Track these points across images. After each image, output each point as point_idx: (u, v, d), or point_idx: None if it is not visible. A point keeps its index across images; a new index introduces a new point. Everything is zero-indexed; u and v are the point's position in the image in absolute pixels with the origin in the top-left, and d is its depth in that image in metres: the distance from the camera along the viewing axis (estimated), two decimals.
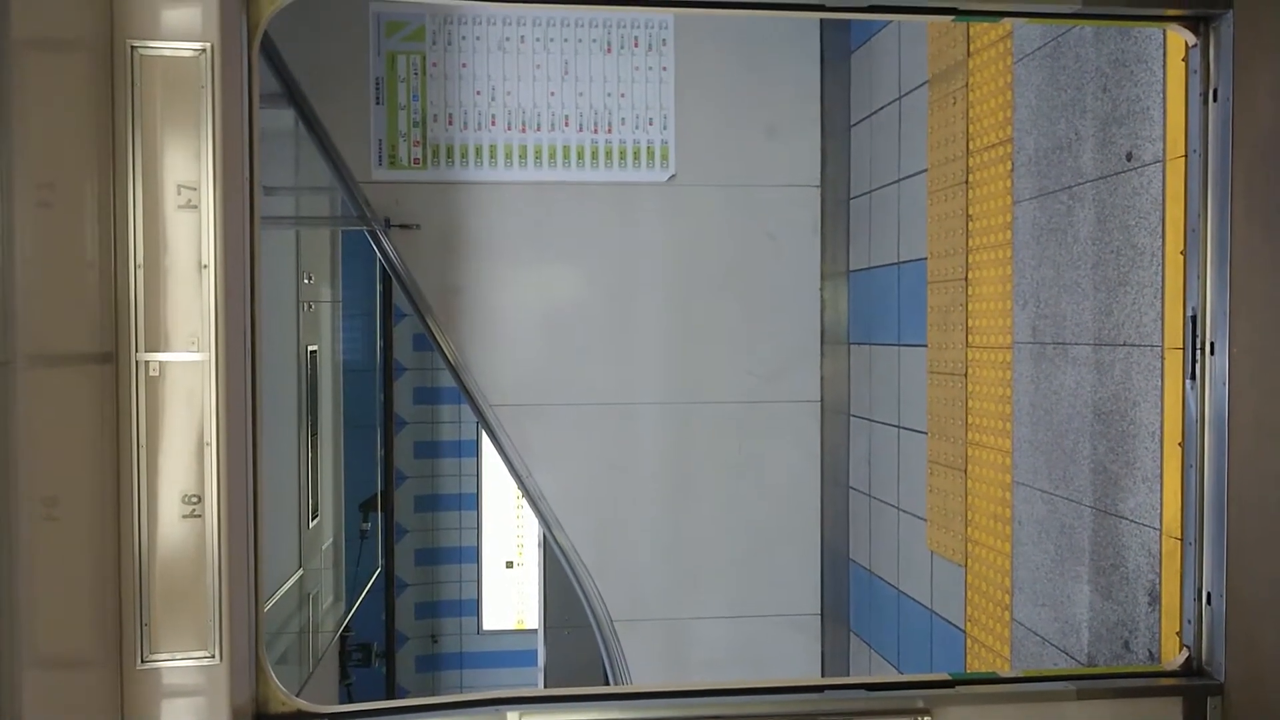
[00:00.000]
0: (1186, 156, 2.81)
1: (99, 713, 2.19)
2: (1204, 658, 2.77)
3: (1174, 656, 2.82)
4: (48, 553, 2.00)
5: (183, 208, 2.26)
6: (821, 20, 5.42)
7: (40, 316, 1.98)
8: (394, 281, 5.56)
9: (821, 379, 5.63)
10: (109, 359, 2.22)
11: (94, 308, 2.18)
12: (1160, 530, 3.02)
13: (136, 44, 2.22)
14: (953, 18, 2.71)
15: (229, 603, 2.30)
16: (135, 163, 2.23)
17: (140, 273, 2.24)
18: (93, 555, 2.18)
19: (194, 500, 2.27)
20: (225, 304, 2.27)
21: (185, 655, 2.28)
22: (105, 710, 2.21)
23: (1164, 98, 2.98)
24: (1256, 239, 2.62)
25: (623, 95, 5.35)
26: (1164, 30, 2.91)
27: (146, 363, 2.24)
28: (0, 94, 1.84)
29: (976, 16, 2.73)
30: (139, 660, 2.26)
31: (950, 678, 2.69)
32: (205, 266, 2.26)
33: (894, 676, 3.38)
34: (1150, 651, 3.05)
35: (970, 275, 4.16)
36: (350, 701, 6.57)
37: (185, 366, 2.26)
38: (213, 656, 2.28)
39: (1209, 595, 2.75)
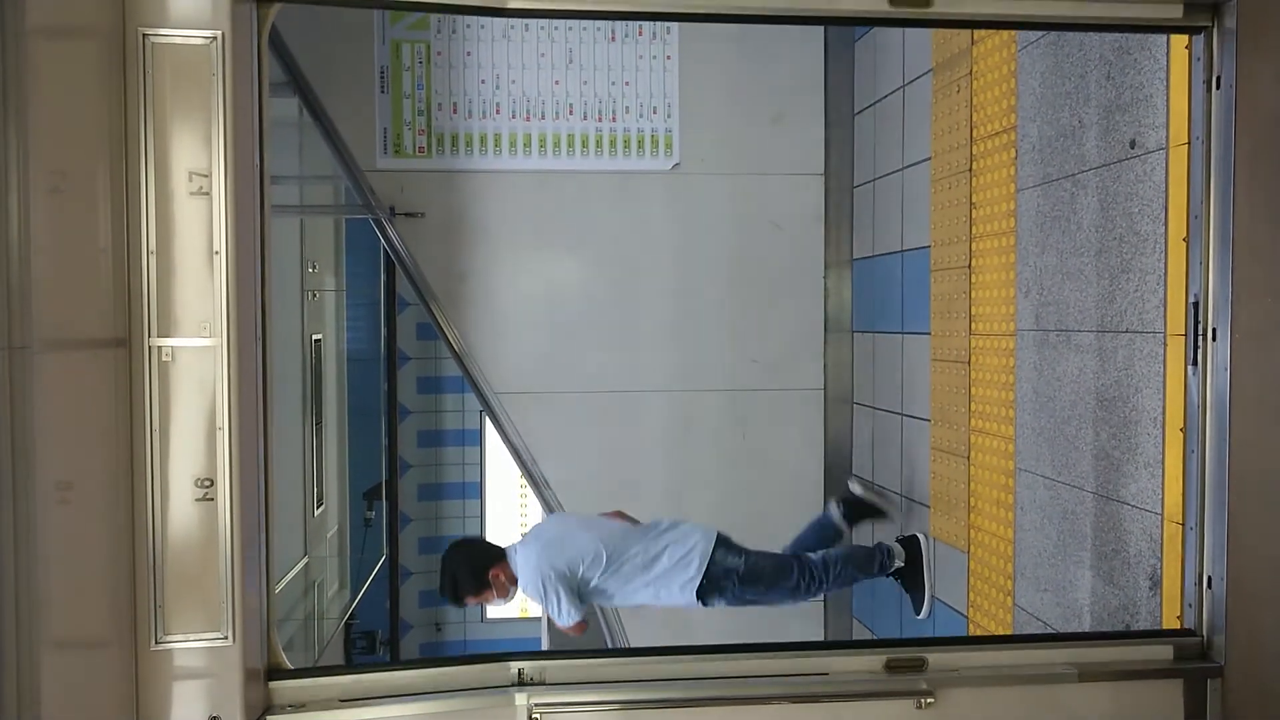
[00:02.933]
0: (1189, 143, 2.83)
1: (114, 693, 2.22)
2: (1204, 641, 2.79)
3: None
4: (63, 536, 2.03)
5: (194, 194, 2.27)
6: None
7: (54, 302, 2.00)
8: (398, 270, 5.57)
9: (825, 367, 5.65)
10: (122, 344, 2.24)
11: (107, 293, 2.20)
12: (1162, 515, 3.05)
13: (148, 31, 2.24)
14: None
15: (241, 585, 2.32)
16: (147, 149, 2.25)
17: (152, 259, 2.26)
18: (107, 538, 2.20)
19: (206, 484, 2.29)
20: (236, 289, 2.29)
21: (198, 636, 2.30)
22: (120, 691, 2.24)
23: (1167, 85, 3.00)
24: (1259, 225, 2.63)
25: (627, 83, 5.36)
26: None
27: (159, 348, 2.26)
28: (13, 81, 1.86)
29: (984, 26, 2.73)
30: (153, 641, 2.28)
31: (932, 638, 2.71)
32: (217, 252, 2.28)
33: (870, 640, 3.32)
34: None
35: (974, 263, 4.17)
36: None
37: (197, 351, 2.28)
38: (225, 638, 2.31)
39: (1209, 579, 2.77)
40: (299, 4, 2.34)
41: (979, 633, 4.13)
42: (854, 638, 5.59)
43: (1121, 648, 2.80)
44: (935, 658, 2.70)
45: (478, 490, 8.98)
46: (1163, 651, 2.76)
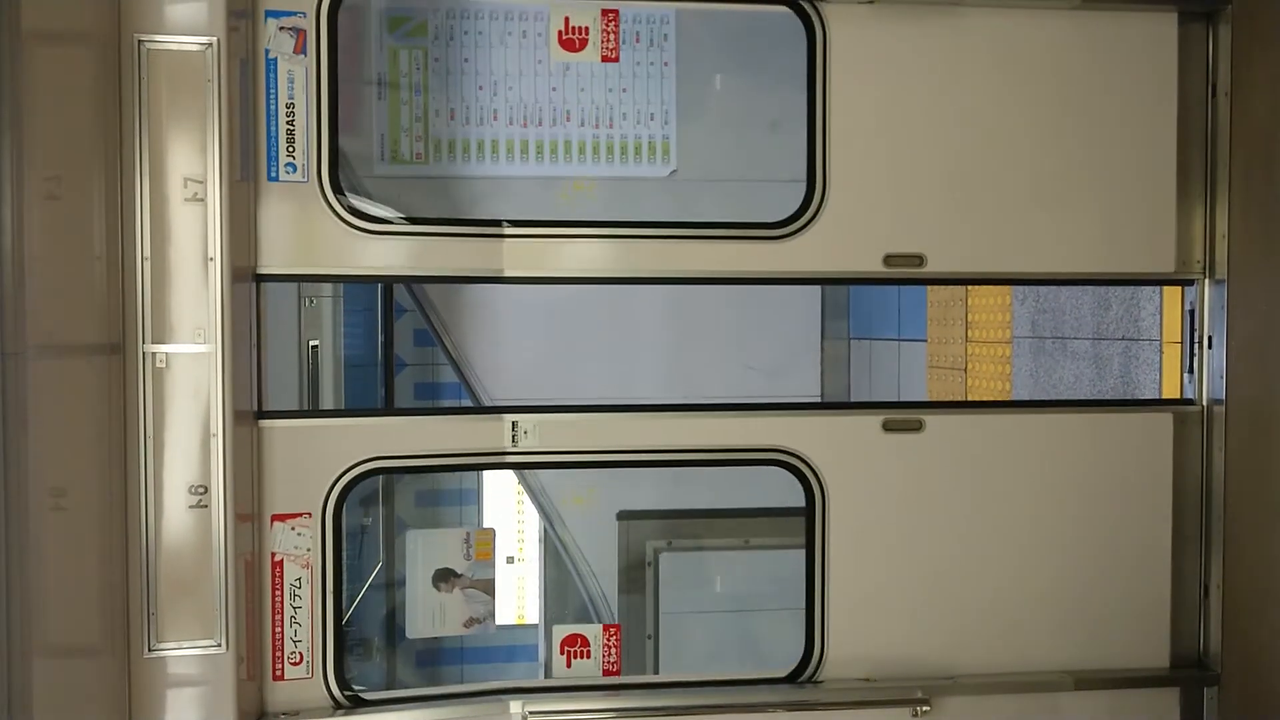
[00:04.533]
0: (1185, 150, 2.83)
1: (107, 700, 2.21)
2: (1201, 649, 2.79)
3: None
4: (56, 543, 2.02)
5: (189, 201, 2.27)
6: None
7: (48, 308, 1.99)
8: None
9: (822, 374, 5.64)
10: (116, 350, 2.23)
11: (101, 299, 2.20)
12: None
13: (144, 38, 2.24)
14: None
15: (235, 592, 2.32)
16: (142, 156, 2.25)
17: (147, 265, 2.25)
18: (100, 545, 2.20)
19: (200, 491, 2.29)
20: (231, 296, 2.29)
21: (192, 644, 2.30)
22: (113, 698, 2.23)
23: None
24: (1254, 233, 2.64)
25: (624, 90, 5.36)
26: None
27: (153, 354, 2.26)
28: (9, 87, 1.85)
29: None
30: (146, 649, 2.28)
31: None
32: (211, 259, 2.28)
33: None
34: None
35: None
36: None
37: (191, 358, 2.27)
38: (219, 645, 2.30)
39: (1206, 588, 2.77)
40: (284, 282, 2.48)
41: None
42: None
43: (1121, 413, 2.79)
44: (932, 419, 2.70)
45: (475, 496, 8.97)
46: (1161, 425, 2.75)
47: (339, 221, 2.51)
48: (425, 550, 2.64)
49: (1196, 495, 2.76)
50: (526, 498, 6.31)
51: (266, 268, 2.49)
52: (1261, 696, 2.62)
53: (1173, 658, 2.79)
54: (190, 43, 2.25)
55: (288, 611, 2.51)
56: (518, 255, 2.64)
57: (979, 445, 2.72)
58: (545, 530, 6.13)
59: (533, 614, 8.86)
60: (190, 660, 2.30)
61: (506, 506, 9.13)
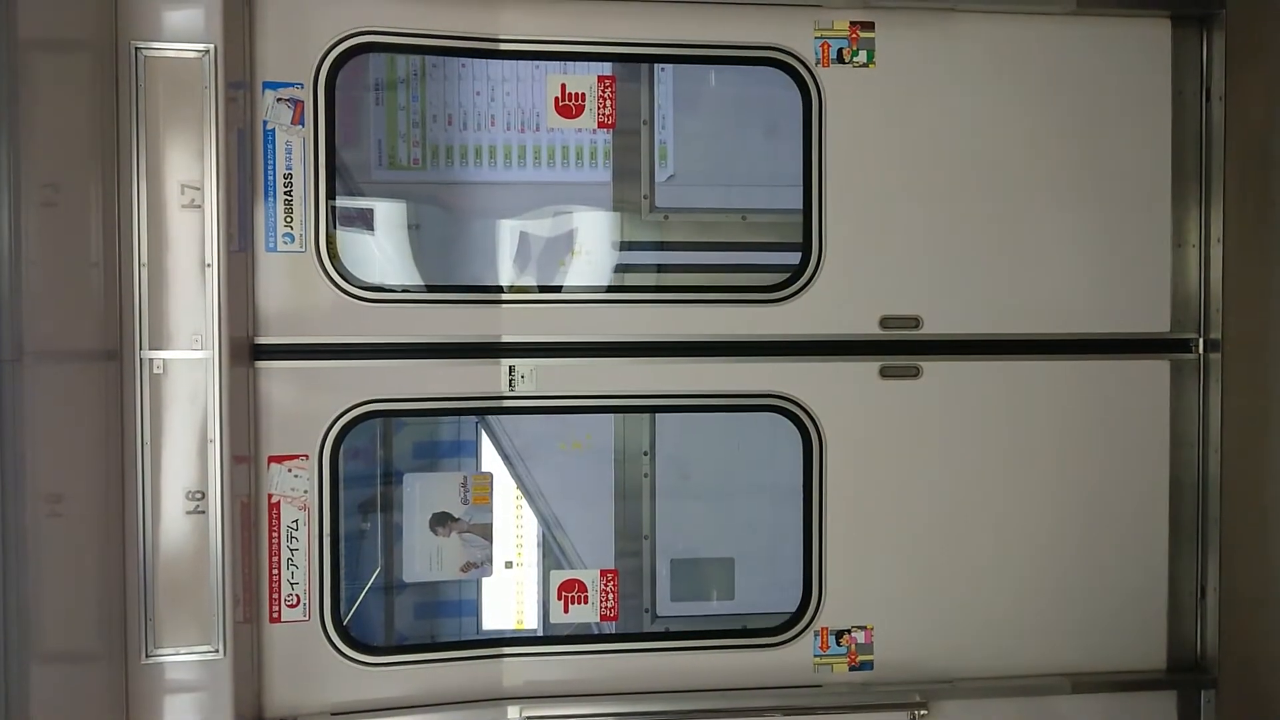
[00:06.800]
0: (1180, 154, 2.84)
1: (104, 706, 2.21)
2: (1199, 652, 2.79)
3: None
4: (53, 549, 2.02)
5: (186, 207, 2.28)
6: None
7: (46, 314, 1.99)
8: None
9: None
10: (114, 356, 2.24)
11: (98, 306, 2.20)
12: None
13: (140, 45, 2.24)
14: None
15: (233, 598, 2.32)
16: (139, 162, 2.25)
17: (144, 271, 2.26)
18: (97, 551, 2.20)
19: (198, 496, 2.29)
20: (228, 302, 2.30)
21: (189, 650, 2.30)
22: (110, 704, 2.23)
23: None
24: (1249, 235, 2.65)
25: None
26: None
27: (150, 360, 2.26)
28: (5, 94, 1.86)
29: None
30: (143, 655, 2.28)
31: None
32: (208, 265, 2.28)
33: None
34: None
35: None
36: None
37: (189, 364, 2.28)
38: (216, 651, 2.30)
39: (1203, 590, 2.77)
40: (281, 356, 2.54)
41: None
42: None
43: (1119, 360, 2.79)
44: (929, 365, 2.73)
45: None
46: (1158, 371, 2.77)
47: (337, 291, 2.53)
48: (423, 494, 2.66)
49: (1193, 439, 2.79)
50: (525, 501, 6.28)
51: (264, 338, 2.49)
52: (1258, 699, 2.63)
53: (1170, 661, 2.79)
54: (187, 50, 2.26)
55: (284, 554, 2.51)
56: (516, 321, 2.70)
57: (976, 392, 2.75)
58: (543, 535, 6.11)
59: (531, 620, 8.86)
60: (188, 666, 2.30)
61: (504, 510, 9.08)
